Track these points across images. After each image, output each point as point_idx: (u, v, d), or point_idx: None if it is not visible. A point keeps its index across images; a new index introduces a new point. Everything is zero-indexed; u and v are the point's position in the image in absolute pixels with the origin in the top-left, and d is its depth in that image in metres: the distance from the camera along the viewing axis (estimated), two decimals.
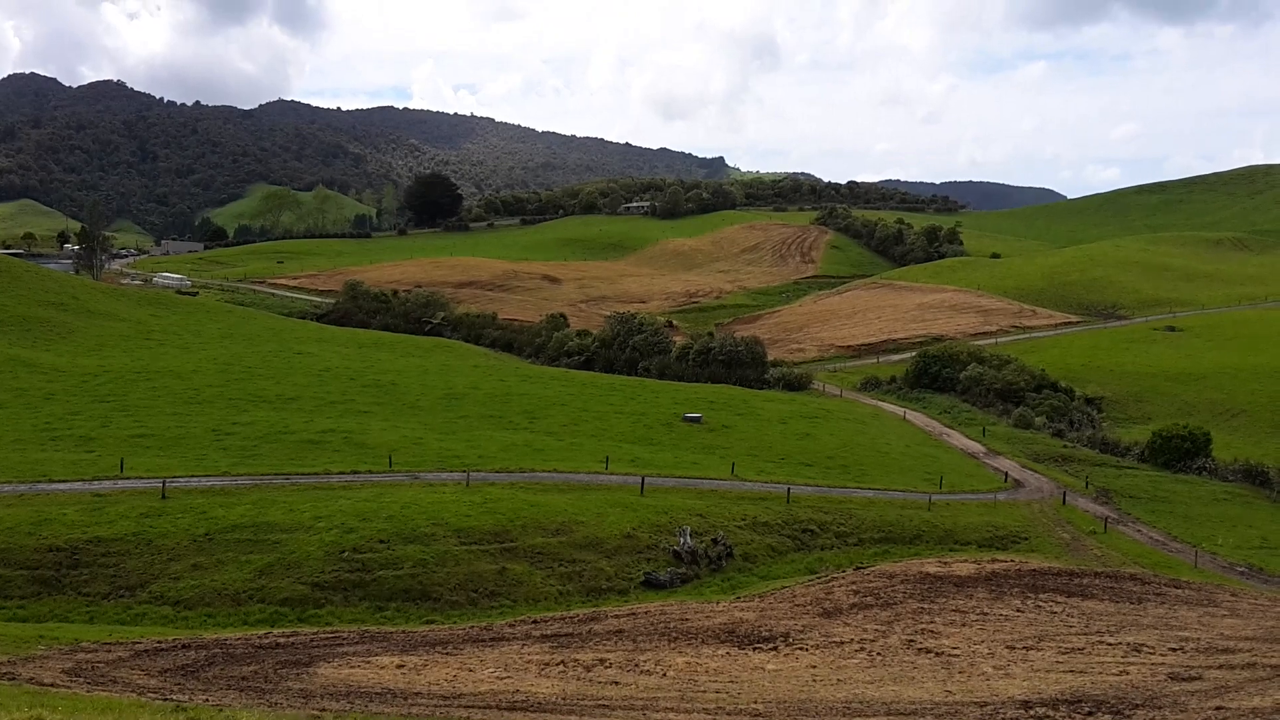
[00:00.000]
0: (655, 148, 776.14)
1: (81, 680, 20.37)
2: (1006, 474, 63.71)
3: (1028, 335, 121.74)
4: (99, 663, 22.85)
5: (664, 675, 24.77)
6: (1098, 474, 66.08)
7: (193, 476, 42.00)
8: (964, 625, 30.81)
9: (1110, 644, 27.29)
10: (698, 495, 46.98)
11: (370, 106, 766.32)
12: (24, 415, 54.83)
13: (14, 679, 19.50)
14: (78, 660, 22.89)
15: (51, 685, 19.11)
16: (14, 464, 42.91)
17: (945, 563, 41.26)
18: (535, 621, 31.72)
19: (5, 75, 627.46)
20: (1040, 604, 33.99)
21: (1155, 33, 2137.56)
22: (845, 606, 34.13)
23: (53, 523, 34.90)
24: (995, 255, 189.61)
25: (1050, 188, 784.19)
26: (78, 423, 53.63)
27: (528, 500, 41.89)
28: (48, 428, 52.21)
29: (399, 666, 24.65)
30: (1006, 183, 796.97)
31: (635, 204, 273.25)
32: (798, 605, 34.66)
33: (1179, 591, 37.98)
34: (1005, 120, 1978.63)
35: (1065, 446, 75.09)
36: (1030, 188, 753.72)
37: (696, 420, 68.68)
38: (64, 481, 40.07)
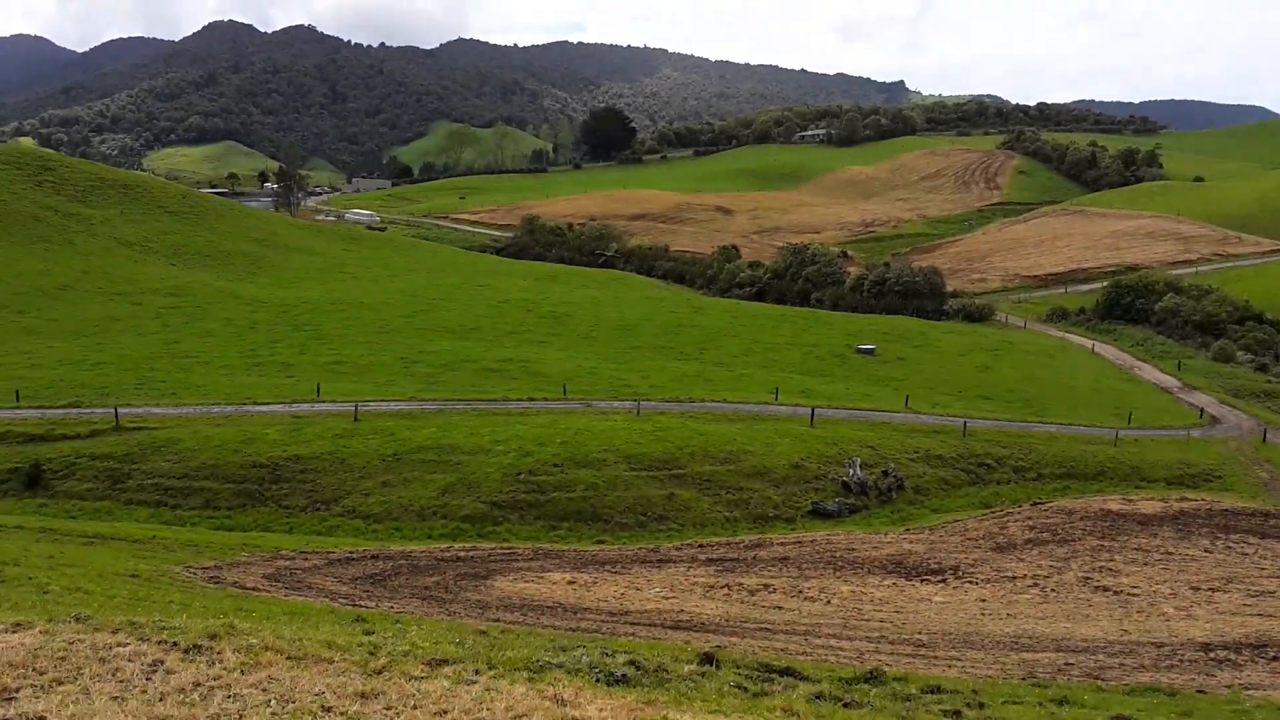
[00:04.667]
0: (831, 73, 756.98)
1: (280, 585, 22.10)
2: (1202, 410, 60.11)
3: (1231, 264, 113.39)
4: (296, 569, 24.72)
5: (828, 603, 24.90)
6: None
7: (382, 401, 44.35)
8: (1145, 565, 29.64)
9: None
10: (869, 427, 46.41)
11: (546, 42, 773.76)
12: (231, 343, 58.97)
13: (219, 582, 21.35)
14: (278, 566, 24.82)
15: (253, 589, 20.82)
16: (223, 388, 46.39)
17: (1129, 500, 39.56)
18: (701, 545, 32.31)
19: (206, 23, 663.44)
20: (1231, 545, 32.27)
21: None
22: (1019, 542, 33.32)
23: (257, 441, 37.67)
24: (1198, 179, 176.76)
25: (1263, 105, 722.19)
26: (278, 350, 57.31)
27: (697, 429, 42.38)
28: (252, 354, 56.03)
29: (570, 583, 25.64)
30: (1213, 100, 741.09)
31: (810, 132, 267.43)
32: (969, 539, 34.05)
33: None
34: (1214, 32, 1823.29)
35: (1269, 382, 70.19)
36: (1240, 105, 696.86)
37: (870, 352, 67.51)
38: (267, 404, 43.07)
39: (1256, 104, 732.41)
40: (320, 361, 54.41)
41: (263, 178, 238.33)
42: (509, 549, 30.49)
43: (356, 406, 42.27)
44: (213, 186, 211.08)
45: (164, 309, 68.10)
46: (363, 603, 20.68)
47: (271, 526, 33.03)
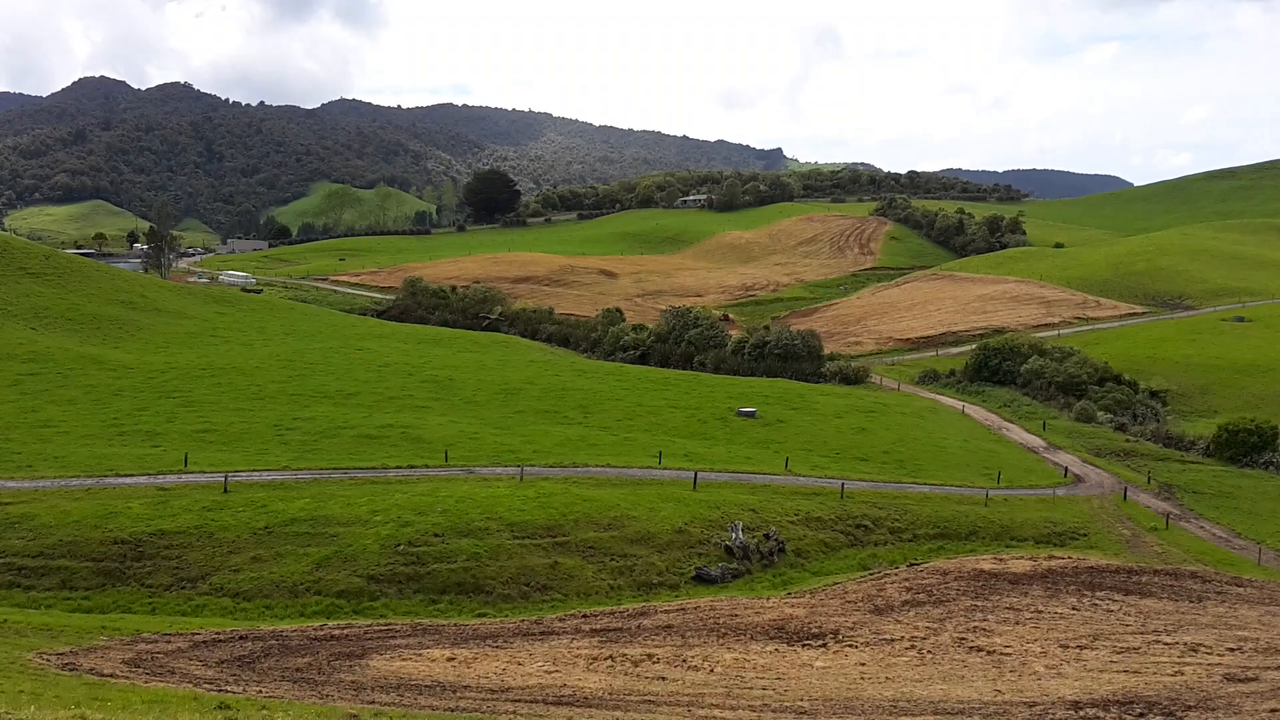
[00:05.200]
0: (713, 140, 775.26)
1: (140, 671, 20.96)
2: (1066, 469, 62.63)
3: (1091, 327, 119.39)
4: (159, 653, 23.51)
5: (711, 671, 24.84)
6: (1161, 469, 64.65)
7: (254, 471, 42.91)
8: (1017, 624, 30.46)
9: (1167, 643, 26.83)
10: (750, 490, 46.92)
11: (430, 104, 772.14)
12: (93, 411, 56.39)
13: (75, 669, 20.14)
14: (138, 651, 23.56)
15: (111, 676, 19.69)
16: (83, 459, 44.22)
17: (1000, 560, 40.77)
18: (585, 616, 31.97)
19: (77, 79, 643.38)
20: (1097, 602, 33.47)
21: (1233, 10, 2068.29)
22: (897, 604, 33.90)
23: (119, 516, 35.93)
24: (1059, 245, 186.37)
25: (1118, 175, 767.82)
26: (145, 418, 55.03)
27: (580, 495, 42.17)
28: (116, 423, 53.64)
29: (449, 659, 25.01)
30: (1073, 170, 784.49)
31: (692, 197, 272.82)
32: (849, 602, 34.50)
33: (1240, 590, 37.13)
34: (1073, 105, 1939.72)
35: (1128, 441, 73.58)
36: (1097, 175, 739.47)
37: (751, 415, 68.45)
38: (130, 476, 41.21)
39: (1112, 173, 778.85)
40: (189, 430, 52.45)
41: (132, 238, 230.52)
42: (386, 625, 29.62)
43: (226, 477, 40.80)
44: (78, 247, 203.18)
45: (21, 375, 64.79)
46: (229, 688, 19.78)
47: (133, 607, 31.41)
